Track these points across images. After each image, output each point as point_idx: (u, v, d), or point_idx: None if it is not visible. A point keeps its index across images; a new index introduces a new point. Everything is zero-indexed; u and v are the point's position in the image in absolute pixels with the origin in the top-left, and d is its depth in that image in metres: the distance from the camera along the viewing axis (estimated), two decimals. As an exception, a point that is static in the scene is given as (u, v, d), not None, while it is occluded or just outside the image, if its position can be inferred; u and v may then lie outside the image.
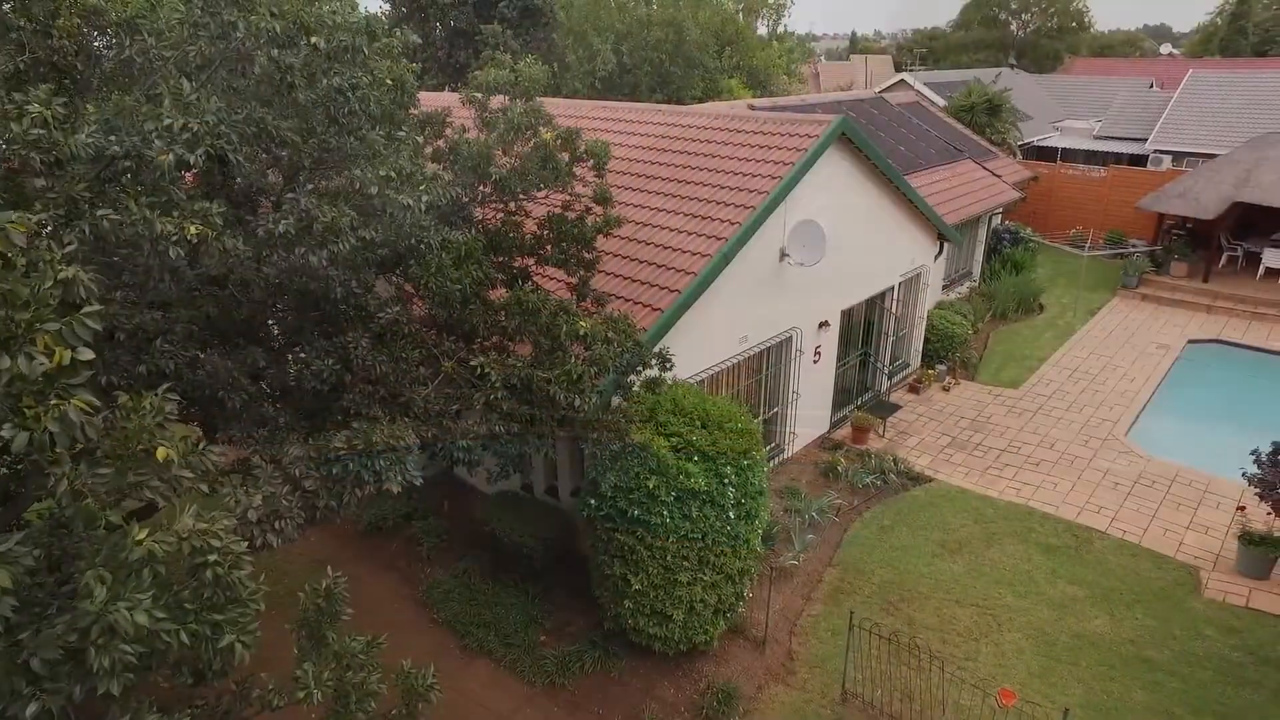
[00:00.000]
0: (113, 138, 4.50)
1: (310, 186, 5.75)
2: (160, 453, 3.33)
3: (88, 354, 3.13)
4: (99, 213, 4.10)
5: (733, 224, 9.34)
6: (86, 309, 3.17)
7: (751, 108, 16.05)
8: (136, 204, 4.27)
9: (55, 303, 3.15)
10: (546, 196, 7.79)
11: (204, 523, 3.44)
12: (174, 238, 4.30)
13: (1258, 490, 8.81)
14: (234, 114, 4.91)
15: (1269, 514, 8.98)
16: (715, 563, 7.62)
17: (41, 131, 4.10)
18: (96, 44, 5.41)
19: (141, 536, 3.29)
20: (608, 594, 7.96)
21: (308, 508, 4.89)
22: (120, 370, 4.75)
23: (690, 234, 9.51)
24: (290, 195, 5.21)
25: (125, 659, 3.17)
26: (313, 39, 5.34)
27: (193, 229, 4.34)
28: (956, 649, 8.34)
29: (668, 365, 7.05)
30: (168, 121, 4.48)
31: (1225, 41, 57.07)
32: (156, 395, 3.43)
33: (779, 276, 10.30)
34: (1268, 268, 19.25)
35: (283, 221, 4.96)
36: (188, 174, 5.33)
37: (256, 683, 4.52)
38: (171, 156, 4.44)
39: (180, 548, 3.39)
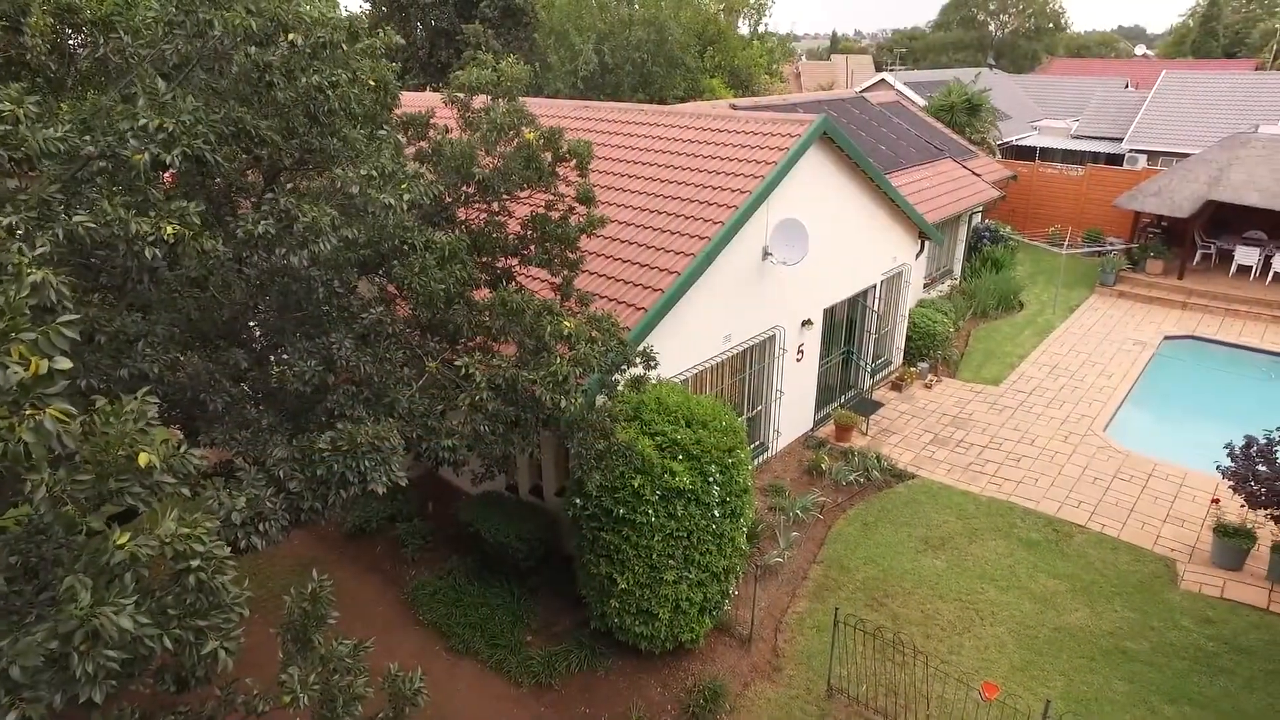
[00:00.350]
0: (87, 137, 4.44)
1: (290, 186, 5.70)
2: (142, 458, 3.28)
3: (65, 363, 3.07)
4: (75, 218, 4.04)
5: (715, 223, 9.37)
6: (64, 318, 3.11)
7: (734, 107, 16.12)
8: (111, 204, 4.21)
9: (29, 310, 3.09)
10: (530, 196, 7.77)
11: (186, 527, 3.40)
12: (150, 238, 4.24)
13: (1231, 483, 8.97)
14: (211, 113, 4.86)
15: (1242, 506, 9.14)
16: (701, 561, 7.64)
17: (8, 128, 4.03)
18: (71, 41, 5.33)
19: (123, 541, 3.25)
20: (593, 593, 7.96)
21: (292, 509, 4.85)
22: (100, 374, 4.68)
23: (673, 233, 9.53)
24: (270, 195, 5.16)
25: (109, 665, 3.13)
26: (290, 36, 5.30)
27: (170, 229, 4.29)
28: (940, 643, 8.42)
29: (652, 364, 7.06)
30: (143, 121, 4.42)
31: (1197, 43, 58.19)
32: (136, 399, 3.38)
33: (762, 275, 10.35)
34: (1239, 265, 19.62)
35: (262, 222, 4.91)
36: (166, 174, 5.27)
37: (241, 688, 4.48)
38: (147, 156, 4.38)
39: (162, 552, 3.35)
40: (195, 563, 3.38)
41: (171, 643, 3.43)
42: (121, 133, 4.44)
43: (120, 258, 4.37)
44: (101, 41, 5.15)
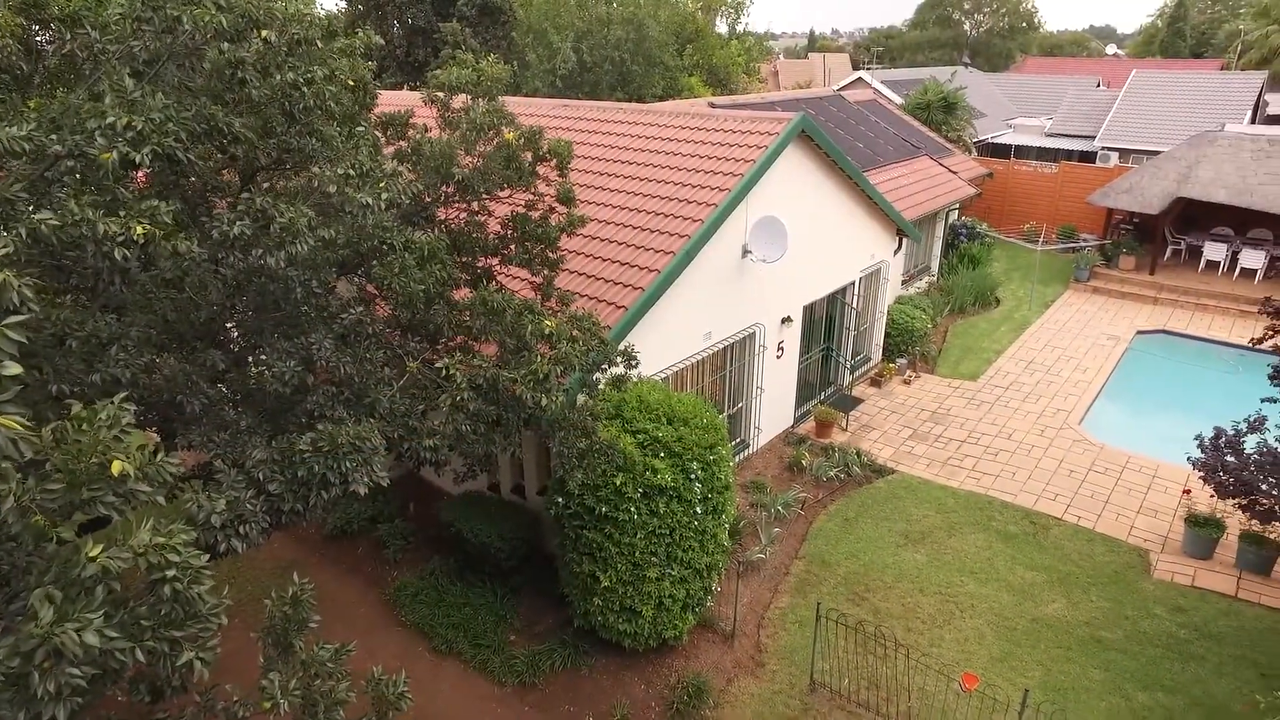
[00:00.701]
0: (53, 136, 4.34)
1: (267, 186, 5.62)
2: (115, 467, 3.20)
3: (14, 368, 2.97)
4: (37, 216, 3.94)
5: (695, 221, 9.39)
6: (11, 319, 3.01)
7: (712, 105, 16.15)
8: (78, 203, 4.12)
9: None
10: (510, 196, 7.74)
11: (162, 536, 3.34)
12: (119, 238, 4.15)
13: (1201, 474, 9.14)
14: (183, 111, 4.78)
15: (1212, 497, 9.33)
16: (683, 558, 7.67)
17: None
18: (39, 38, 5.22)
19: (95, 553, 3.16)
20: (576, 592, 7.96)
21: (272, 511, 4.79)
22: (72, 379, 4.59)
23: (653, 232, 9.54)
24: (246, 195, 5.09)
25: (73, 682, 3.05)
26: (264, 33, 5.23)
27: (140, 229, 4.20)
28: (921, 636, 8.52)
29: (633, 363, 7.06)
30: (110, 120, 4.33)
31: (1165, 43, 59.30)
32: (113, 404, 3.32)
33: (742, 273, 10.39)
34: (1208, 260, 20.02)
35: (238, 223, 4.84)
36: (139, 173, 5.18)
37: (221, 694, 4.42)
38: (115, 155, 4.29)
39: (136, 563, 3.27)
40: (170, 573, 3.30)
41: (145, 654, 3.36)
42: (89, 131, 4.35)
43: (90, 258, 4.28)
44: (68, 38, 5.04)
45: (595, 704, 7.80)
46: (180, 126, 4.59)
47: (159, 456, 3.41)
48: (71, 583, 3.16)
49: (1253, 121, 27.03)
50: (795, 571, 9.59)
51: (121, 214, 4.25)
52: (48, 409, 4.29)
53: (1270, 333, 8.96)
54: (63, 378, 4.54)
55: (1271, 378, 8.72)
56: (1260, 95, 28.25)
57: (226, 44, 5.11)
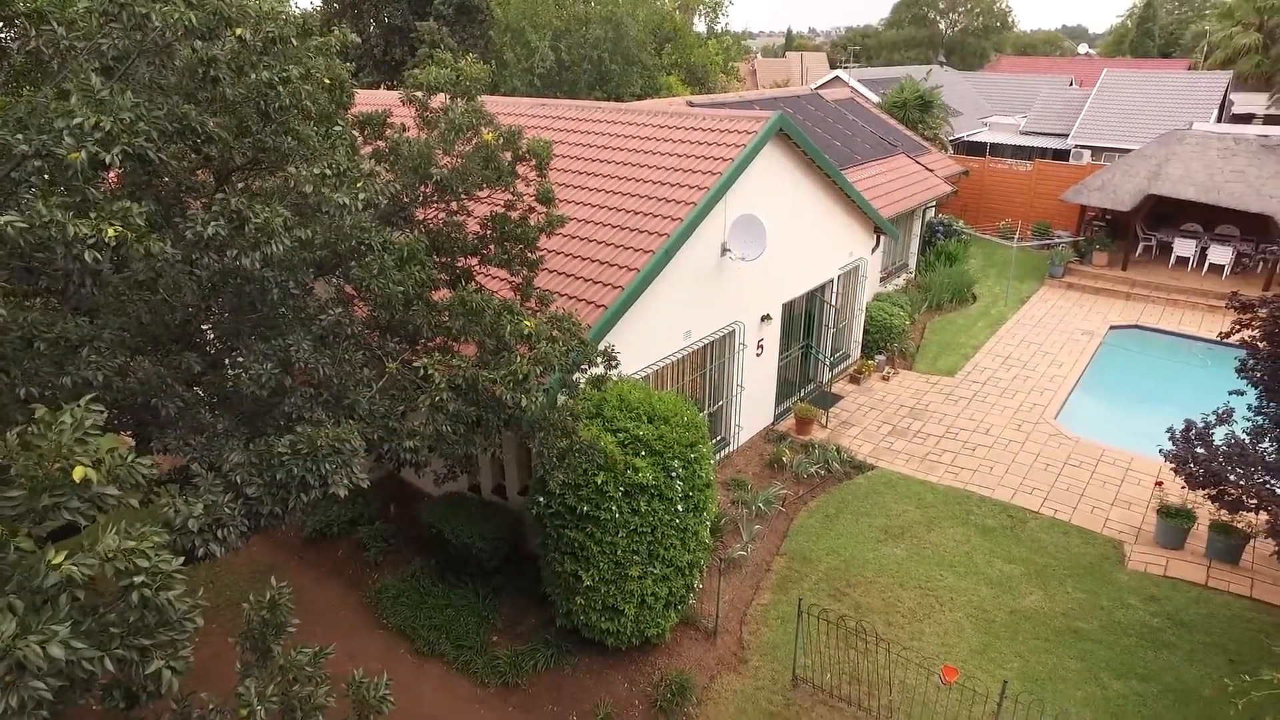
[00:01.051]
0: (19, 135, 4.26)
1: (242, 186, 5.55)
2: (77, 472, 3.12)
3: None
4: (3, 219, 3.86)
5: (675, 220, 9.41)
6: None
7: (690, 104, 16.18)
8: (46, 204, 4.03)
9: None
10: (489, 196, 7.71)
11: (131, 541, 3.27)
12: (90, 240, 4.08)
13: (1173, 466, 9.29)
14: (154, 109, 4.69)
15: (1183, 488, 9.50)
16: (665, 556, 7.68)
17: None
18: (3, 35, 5.11)
19: (59, 560, 3.09)
20: (559, 591, 7.95)
21: (251, 515, 4.73)
22: (42, 382, 4.50)
23: (633, 230, 9.55)
24: (220, 195, 5.03)
25: (38, 695, 2.98)
26: (238, 31, 5.16)
27: (111, 231, 4.12)
28: (901, 630, 8.61)
29: (613, 363, 7.06)
30: (78, 120, 4.25)
31: (1135, 43, 60.31)
32: (80, 407, 3.25)
33: (721, 272, 10.43)
34: (1178, 256, 20.40)
35: (212, 224, 4.78)
36: (110, 173, 5.09)
37: (196, 702, 4.36)
38: (84, 155, 4.21)
39: (103, 570, 3.21)
40: (139, 579, 3.23)
41: (114, 663, 3.30)
42: (56, 130, 4.26)
43: (60, 260, 4.20)
44: (33, 34, 4.94)
45: (579, 703, 7.80)
46: (151, 126, 4.51)
47: (130, 459, 3.35)
48: (35, 592, 3.09)
49: (1219, 120, 27.59)
50: (777, 568, 9.64)
51: (92, 215, 4.17)
52: (15, 412, 4.21)
53: (1237, 327, 9.14)
54: (31, 380, 4.45)
55: (1239, 371, 8.90)
56: (1225, 94, 28.84)
57: (199, 42, 5.03)
